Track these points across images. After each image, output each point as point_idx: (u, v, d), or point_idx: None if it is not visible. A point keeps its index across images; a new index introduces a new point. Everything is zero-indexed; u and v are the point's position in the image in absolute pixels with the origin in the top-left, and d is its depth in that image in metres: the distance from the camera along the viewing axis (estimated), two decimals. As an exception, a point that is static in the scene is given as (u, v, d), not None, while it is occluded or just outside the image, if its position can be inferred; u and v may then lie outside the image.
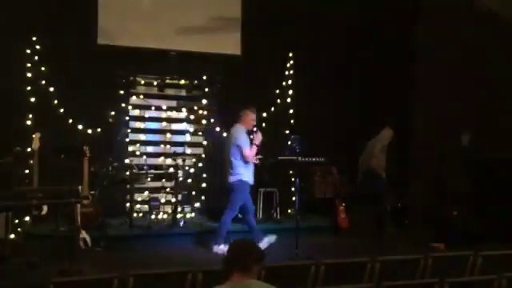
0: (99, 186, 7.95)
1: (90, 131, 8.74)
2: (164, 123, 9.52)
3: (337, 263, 5.20)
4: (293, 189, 9.62)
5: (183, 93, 9.63)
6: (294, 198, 9.40)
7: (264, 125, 9.71)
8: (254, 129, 7.57)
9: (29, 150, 7.65)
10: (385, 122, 9.24)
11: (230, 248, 3.50)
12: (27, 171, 8.02)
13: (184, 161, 8.92)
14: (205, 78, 9.50)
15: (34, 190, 6.73)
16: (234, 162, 7.39)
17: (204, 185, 9.49)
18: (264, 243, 7.35)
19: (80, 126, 8.68)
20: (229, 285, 3.33)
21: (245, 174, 7.43)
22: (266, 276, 4.15)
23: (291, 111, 10.00)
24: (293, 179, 9.65)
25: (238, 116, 7.57)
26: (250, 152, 7.40)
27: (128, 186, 8.45)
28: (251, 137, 7.54)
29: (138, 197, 9.06)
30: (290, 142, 9.35)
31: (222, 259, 3.45)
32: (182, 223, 8.47)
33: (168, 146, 9.46)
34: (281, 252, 7.25)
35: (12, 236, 7.00)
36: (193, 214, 8.98)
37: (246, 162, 7.40)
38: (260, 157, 7.84)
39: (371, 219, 8.84)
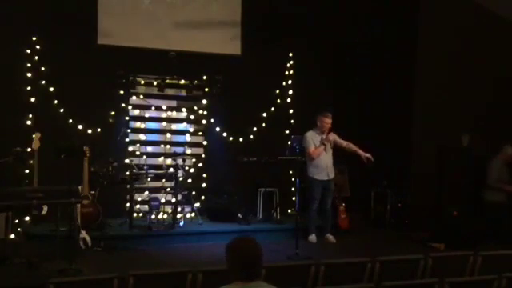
0: (99, 185, 7.94)
1: (90, 131, 8.74)
2: (164, 123, 9.50)
3: (337, 263, 5.20)
4: (293, 189, 9.62)
5: (183, 93, 9.61)
6: (294, 198, 9.41)
7: (264, 125, 9.73)
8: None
9: (29, 149, 7.65)
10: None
11: (248, 249, 3.29)
12: (27, 171, 8.03)
13: (184, 161, 8.92)
14: (205, 78, 9.49)
15: (34, 190, 6.73)
16: None
17: (204, 185, 9.49)
18: (313, 237, 8.22)
19: (80, 126, 8.68)
20: (240, 285, 3.24)
21: None
22: (266, 276, 4.14)
23: (291, 111, 9.99)
24: (293, 179, 9.65)
25: None
26: None
27: (128, 186, 8.44)
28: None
29: (138, 197, 9.05)
30: (289, 142, 9.40)
31: (240, 258, 3.26)
32: (181, 223, 8.48)
33: (168, 146, 9.45)
34: (281, 252, 7.25)
35: (12, 236, 7.01)
36: (193, 214, 8.97)
37: None
38: None
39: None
